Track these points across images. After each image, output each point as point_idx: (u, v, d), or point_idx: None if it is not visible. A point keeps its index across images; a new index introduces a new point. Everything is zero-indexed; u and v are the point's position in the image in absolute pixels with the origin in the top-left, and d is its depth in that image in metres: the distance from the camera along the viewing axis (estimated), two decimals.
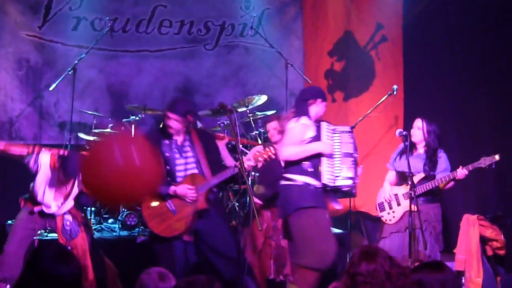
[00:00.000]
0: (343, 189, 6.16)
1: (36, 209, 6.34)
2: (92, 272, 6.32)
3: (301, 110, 6.05)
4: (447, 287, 3.60)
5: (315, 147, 5.89)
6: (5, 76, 9.45)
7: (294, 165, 5.94)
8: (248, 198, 5.86)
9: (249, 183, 5.90)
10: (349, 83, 9.84)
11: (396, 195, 6.95)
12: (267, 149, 5.90)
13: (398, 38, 9.75)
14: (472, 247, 7.44)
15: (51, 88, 8.85)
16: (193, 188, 5.86)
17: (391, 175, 7.16)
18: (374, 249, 3.34)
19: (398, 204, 6.91)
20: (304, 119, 5.96)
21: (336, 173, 5.96)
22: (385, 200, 7.00)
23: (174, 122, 6.01)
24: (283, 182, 6.01)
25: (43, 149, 6.42)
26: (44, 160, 6.37)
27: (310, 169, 5.92)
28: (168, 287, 3.73)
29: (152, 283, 3.72)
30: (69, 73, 8.75)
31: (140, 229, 7.96)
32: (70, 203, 6.47)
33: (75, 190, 6.52)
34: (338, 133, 6.06)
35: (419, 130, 6.93)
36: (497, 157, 6.56)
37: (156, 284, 3.72)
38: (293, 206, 5.84)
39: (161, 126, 6.27)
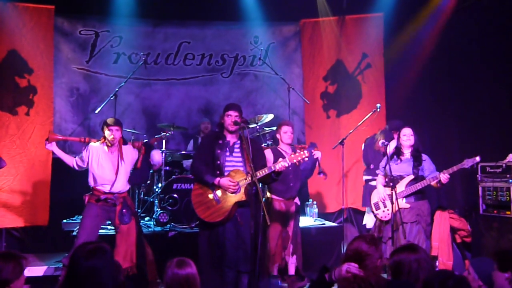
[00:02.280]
0: None
1: (103, 196, 6.54)
2: (135, 257, 6.47)
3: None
4: (422, 264, 3.65)
5: None
6: (60, 102, 9.53)
7: None
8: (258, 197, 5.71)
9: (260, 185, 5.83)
10: (341, 102, 9.86)
11: (389, 195, 6.70)
12: (302, 152, 5.83)
13: (380, 65, 9.82)
14: (443, 236, 7.48)
15: (96, 111, 8.83)
16: (235, 182, 5.81)
17: (382, 179, 7.02)
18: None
19: (392, 203, 6.68)
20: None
21: None
22: (380, 200, 6.88)
23: (235, 118, 5.99)
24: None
25: (92, 140, 6.77)
26: (95, 148, 6.63)
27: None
28: (184, 273, 3.75)
29: (169, 270, 3.76)
30: (111, 98, 8.77)
31: (171, 225, 8.01)
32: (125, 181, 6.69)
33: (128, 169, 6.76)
34: None
35: (411, 136, 6.78)
36: (477, 158, 6.47)
37: (173, 270, 3.75)
38: None
39: (217, 129, 6.23)
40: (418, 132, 8.54)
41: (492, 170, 7.57)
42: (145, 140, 7.01)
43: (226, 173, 5.93)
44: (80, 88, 9.73)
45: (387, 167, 6.76)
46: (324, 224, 8.41)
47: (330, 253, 7.92)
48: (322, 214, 9.02)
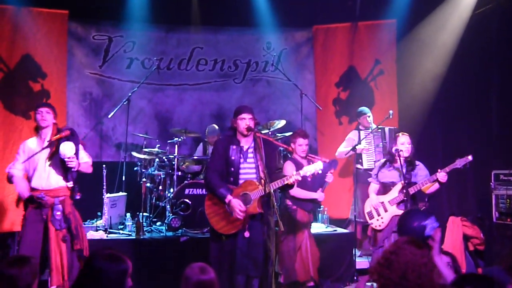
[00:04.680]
0: None
1: (37, 195, 5.81)
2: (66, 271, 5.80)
3: None
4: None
5: None
6: (73, 106, 9.57)
7: None
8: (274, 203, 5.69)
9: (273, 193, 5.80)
10: (353, 109, 9.70)
11: (382, 202, 6.68)
12: (315, 164, 5.79)
13: (393, 71, 9.81)
14: (456, 244, 7.42)
15: (109, 116, 8.93)
16: (243, 210, 5.66)
17: (374, 187, 6.90)
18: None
19: (385, 211, 6.64)
20: None
21: None
22: (373, 208, 6.74)
23: (250, 121, 5.87)
24: None
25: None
26: (28, 141, 6.02)
27: None
28: (207, 278, 3.72)
29: (194, 276, 3.72)
30: (124, 103, 8.86)
31: (183, 230, 7.97)
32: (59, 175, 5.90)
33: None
34: None
35: (409, 145, 6.64)
36: (470, 157, 6.35)
37: (198, 276, 3.71)
38: None
39: (229, 133, 6.10)
40: (430, 139, 8.57)
41: (505, 178, 7.53)
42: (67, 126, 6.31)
43: (240, 180, 5.86)
44: (93, 93, 9.76)
45: (380, 174, 6.75)
46: (335, 230, 8.36)
47: (342, 260, 7.87)
48: (333, 221, 8.97)
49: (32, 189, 5.85)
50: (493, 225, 7.58)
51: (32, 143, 6.02)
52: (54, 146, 5.92)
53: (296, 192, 6.75)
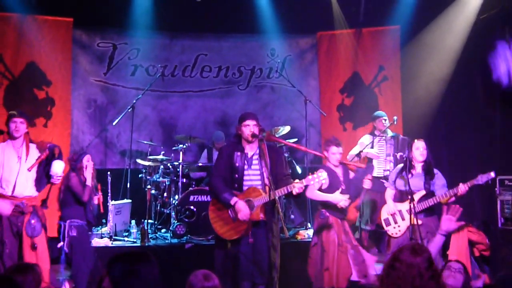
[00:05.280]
0: None
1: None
2: (48, 276, 5.94)
3: None
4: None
5: None
6: (77, 114, 9.57)
7: None
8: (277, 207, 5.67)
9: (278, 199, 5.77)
10: (357, 115, 9.84)
11: (400, 211, 6.64)
12: (319, 174, 5.69)
13: (397, 77, 9.82)
14: (462, 249, 7.37)
15: (114, 123, 8.96)
16: (248, 213, 5.64)
17: (391, 193, 6.84)
18: (421, 248, 3.21)
19: (403, 219, 6.56)
20: None
21: None
22: (390, 215, 6.71)
23: (254, 127, 5.83)
24: None
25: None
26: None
27: None
28: (212, 285, 3.71)
29: (199, 283, 3.70)
30: (129, 110, 8.86)
31: (188, 237, 7.99)
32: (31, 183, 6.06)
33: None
34: None
35: (424, 150, 6.56)
36: (492, 174, 6.24)
37: (202, 283, 3.69)
38: None
39: (234, 140, 6.06)
40: (434, 145, 8.52)
41: (510, 184, 7.49)
42: (51, 144, 6.35)
43: (244, 187, 5.83)
44: (98, 100, 9.78)
45: (397, 181, 6.66)
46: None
47: None
48: None
49: (12, 197, 5.95)
50: (498, 230, 7.54)
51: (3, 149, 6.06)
52: (39, 159, 6.09)
53: (312, 194, 6.64)
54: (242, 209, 5.67)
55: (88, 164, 6.66)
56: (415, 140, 6.71)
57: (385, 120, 8.41)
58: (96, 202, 6.80)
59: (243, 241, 5.76)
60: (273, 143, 8.61)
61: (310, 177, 5.71)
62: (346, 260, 6.65)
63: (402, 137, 8.30)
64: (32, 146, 6.15)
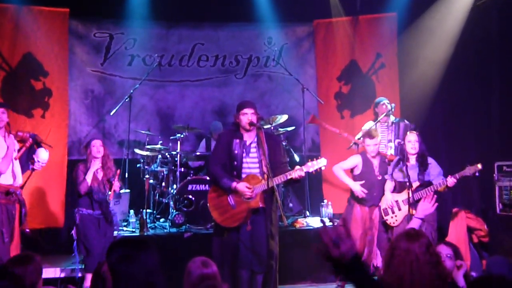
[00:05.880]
0: None
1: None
2: None
3: None
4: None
5: None
6: (75, 104, 9.52)
7: None
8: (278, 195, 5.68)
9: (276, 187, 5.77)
10: (355, 102, 9.80)
11: (396, 201, 6.78)
12: (319, 161, 5.73)
13: (394, 65, 9.76)
14: (460, 236, 7.38)
15: (111, 113, 8.93)
16: (251, 187, 5.70)
17: (390, 185, 6.96)
18: (417, 233, 3.21)
19: (399, 209, 6.74)
20: None
21: None
22: (388, 207, 6.84)
23: (252, 116, 5.85)
24: None
25: None
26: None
27: None
28: (210, 272, 3.71)
29: (197, 270, 3.70)
30: (126, 100, 8.84)
31: (187, 227, 7.98)
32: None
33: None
34: None
35: (416, 142, 6.69)
36: (479, 166, 6.35)
37: (201, 270, 3.69)
38: None
39: (233, 128, 6.09)
40: (433, 131, 8.49)
41: (508, 169, 7.49)
42: (32, 133, 6.55)
43: (243, 174, 5.85)
44: (95, 90, 9.73)
45: (394, 173, 6.80)
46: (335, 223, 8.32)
47: None
48: (338, 216, 8.92)
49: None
50: (496, 216, 7.54)
51: None
52: (25, 148, 6.31)
53: (338, 171, 7.14)
54: (244, 188, 5.70)
55: (94, 150, 6.79)
56: (408, 133, 6.86)
57: (388, 103, 8.28)
58: (113, 190, 6.82)
59: (242, 229, 5.77)
60: (270, 130, 8.64)
61: (309, 163, 5.73)
62: (370, 246, 6.96)
63: (405, 123, 8.17)
64: (11, 136, 6.25)
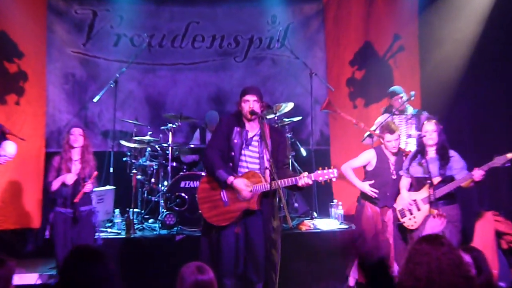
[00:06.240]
0: None
1: None
2: None
3: None
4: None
5: None
6: (53, 90, 9.47)
7: None
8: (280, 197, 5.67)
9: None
10: (369, 90, 9.79)
11: (415, 200, 6.61)
12: (330, 171, 5.64)
13: (415, 48, 9.75)
14: (487, 241, 7.36)
15: (95, 100, 8.88)
16: (250, 186, 5.66)
17: (406, 182, 6.82)
18: (438, 236, 3.31)
19: (418, 209, 6.54)
20: None
21: None
22: (405, 207, 6.69)
23: (254, 103, 5.81)
24: None
25: None
26: None
27: None
28: (207, 279, 3.70)
29: (192, 276, 3.69)
30: (111, 85, 8.84)
31: (179, 228, 7.97)
32: None
33: None
34: None
35: (434, 132, 6.53)
36: (509, 155, 6.20)
37: (195, 276, 3.68)
38: None
39: (236, 115, 6.02)
40: (458, 126, 8.44)
41: None
42: None
43: (240, 168, 5.81)
44: (76, 74, 9.70)
45: (411, 167, 6.69)
46: (351, 227, 8.33)
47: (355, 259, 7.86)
48: (349, 217, 8.93)
49: None
50: None
51: None
52: None
53: (346, 170, 7.17)
54: (242, 186, 5.65)
55: (72, 138, 6.73)
56: (424, 122, 6.74)
57: (402, 97, 8.26)
58: (82, 192, 6.68)
59: (228, 231, 5.76)
60: (274, 121, 8.62)
61: (319, 171, 5.66)
62: (385, 250, 6.92)
63: (426, 115, 8.12)
64: None
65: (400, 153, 7.18)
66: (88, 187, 6.68)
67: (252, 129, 5.93)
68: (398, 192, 6.92)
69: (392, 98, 8.30)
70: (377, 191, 7.00)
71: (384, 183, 7.03)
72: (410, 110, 8.18)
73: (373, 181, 7.06)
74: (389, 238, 6.94)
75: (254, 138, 5.89)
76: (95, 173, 6.80)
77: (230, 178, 5.68)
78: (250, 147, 5.87)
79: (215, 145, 5.92)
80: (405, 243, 6.87)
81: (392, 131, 7.04)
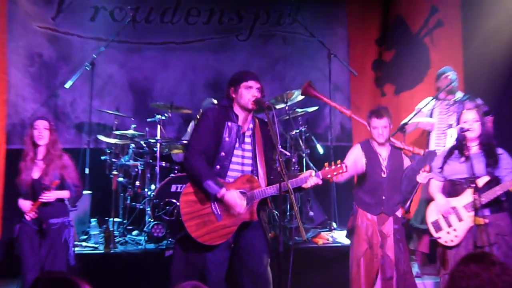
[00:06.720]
0: None
1: None
2: None
3: None
4: None
5: None
6: (16, 73, 9.40)
7: None
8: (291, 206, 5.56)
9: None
10: (401, 74, 9.74)
11: (454, 208, 6.26)
12: (339, 165, 5.58)
13: (456, 22, 9.63)
14: None
15: (66, 86, 8.87)
16: (244, 200, 5.48)
17: (438, 185, 6.50)
18: (484, 254, 3.22)
19: (460, 220, 6.18)
20: None
21: None
22: (442, 216, 6.32)
23: (256, 91, 5.61)
24: None
25: None
26: None
27: None
28: None
29: None
30: (87, 68, 8.84)
31: (169, 242, 7.88)
32: None
33: None
34: None
35: (475, 122, 6.23)
36: None
37: None
38: None
39: (225, 104, 5.79)
40: (509, 114, 8.28)
41: None
42: None
43: (230, 172, 5.63)
44: (44, 55, 9.67)
45: (446, 167, 6.35)
46: None
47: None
48: None
49: None
50: None
51: None
52: None
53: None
54: (235, 201, 5.44)
55: (36, 134, 6.46)
56: (464, 111, 6.51)
57: (449, 76, 8.06)
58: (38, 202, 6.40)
59: (218, 248, 5.57)
60: (286, 115, 8.52)
61: (327, 169, 5.58)
62: (373, 268, 6.59)
63: (475, 103, 7.90)
64: None
65: (392, 145, 6.76)
66: (46, 195, 6.36)
67: (246, 123, 5.75)
68: (403, 194, 6.60)
69: (439, 80, 8.12)
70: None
71: (378, 185, 6.60)
72: (459, 95, 8.01)
73: (364, 184, 6.69)
74: (389, 254, 6.54)
75: (247, 134, 5.73)
76: (56, 181, 6.43)
77: (221, 191, 5.44)
78: (243, 146, 5.70)
79: (199, 146, 5.66)
80: (409, 260, 6.70)
81: (380, 115, 6.54)
